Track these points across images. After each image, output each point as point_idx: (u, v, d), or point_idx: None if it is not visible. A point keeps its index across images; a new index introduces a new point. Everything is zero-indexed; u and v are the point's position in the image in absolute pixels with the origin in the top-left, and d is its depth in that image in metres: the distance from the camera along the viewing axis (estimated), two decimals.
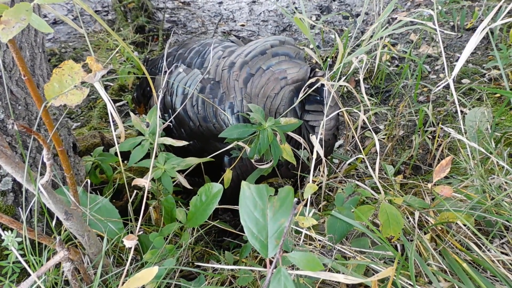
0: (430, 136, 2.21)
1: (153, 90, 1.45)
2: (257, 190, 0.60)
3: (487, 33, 3.03)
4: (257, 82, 1.44)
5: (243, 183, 0.61)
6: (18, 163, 0.74)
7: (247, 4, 3.99)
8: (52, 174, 0.75)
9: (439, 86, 2.31)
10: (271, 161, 1.46)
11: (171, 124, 1.61)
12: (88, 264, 0.99)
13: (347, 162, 1.73)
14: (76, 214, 0.92)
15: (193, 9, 3.84)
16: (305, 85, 1.42)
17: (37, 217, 0.98)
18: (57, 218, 0.94)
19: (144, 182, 1.04)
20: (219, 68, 1.52)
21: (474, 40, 0.84)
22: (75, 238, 1.03)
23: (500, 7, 2.73)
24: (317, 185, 1.50)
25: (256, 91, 1.44)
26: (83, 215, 1.04)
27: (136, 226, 1.28)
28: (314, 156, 1.30)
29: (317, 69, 1.50)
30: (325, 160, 1.46)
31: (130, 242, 0.84)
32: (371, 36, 1.58)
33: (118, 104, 2.78)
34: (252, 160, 1.46)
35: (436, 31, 1.25)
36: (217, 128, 1.50)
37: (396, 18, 3.55)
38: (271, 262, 0.59)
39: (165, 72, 1.69)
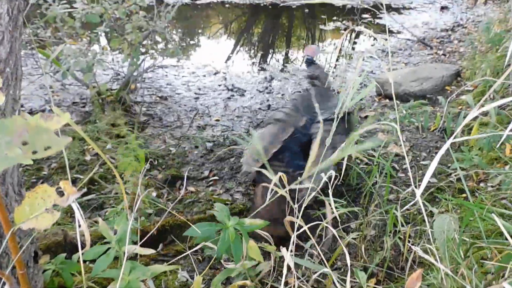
0: (401, 236, 2.22)
1: None
2: None
3: (447, 135, 3.20)
4: None
5: None
6: None
7: (223, 100, 4.14)
8: None
9: (407, 191, 2.39)
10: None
11: None
12: None
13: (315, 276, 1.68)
14: None
15: (169, 104, 3.96)
16: None
17: None
18: None
19: None
20: None
21: (436, 161, 0.88)
22: None
23: (459, 113, 2.92)
24: None
25: None
26: None
27: None
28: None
29: None
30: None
31: None
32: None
33: (86, 198, 2.71)
34: None
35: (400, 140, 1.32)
36: None
37: (364, 117, 3.74)
38: None
39: None
